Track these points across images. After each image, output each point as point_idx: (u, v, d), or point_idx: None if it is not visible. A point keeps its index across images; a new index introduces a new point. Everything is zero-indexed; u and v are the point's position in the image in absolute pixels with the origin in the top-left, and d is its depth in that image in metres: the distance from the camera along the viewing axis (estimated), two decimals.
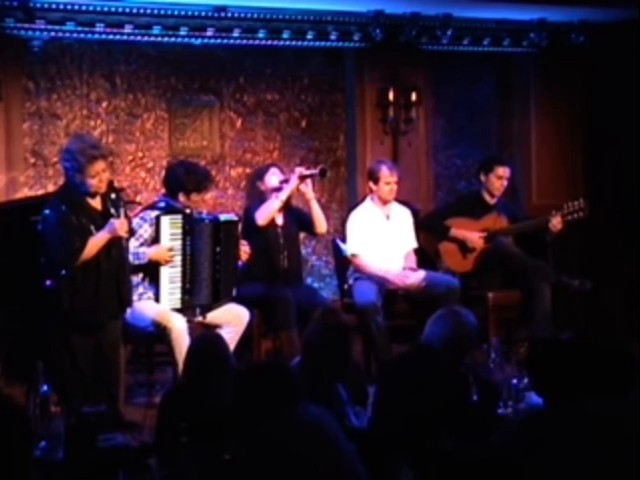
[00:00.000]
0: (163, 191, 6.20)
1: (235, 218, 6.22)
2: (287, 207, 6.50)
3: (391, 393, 4.29)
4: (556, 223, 6.82)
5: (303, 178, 6.42)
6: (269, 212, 6.34)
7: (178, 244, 5.83)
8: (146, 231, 5.81)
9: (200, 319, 5.89)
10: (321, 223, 6.55)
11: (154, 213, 5.86)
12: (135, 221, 5.77)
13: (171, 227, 5.84)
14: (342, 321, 4.56)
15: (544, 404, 3.45)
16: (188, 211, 5.91)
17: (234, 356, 4.69)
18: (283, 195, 6.35)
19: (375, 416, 4.31)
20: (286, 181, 6.46)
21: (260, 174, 6.58)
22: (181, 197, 5.92)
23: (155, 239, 5.80)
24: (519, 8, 7.75)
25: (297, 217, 6.59)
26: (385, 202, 6.70)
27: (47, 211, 5.29)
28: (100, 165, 5.28)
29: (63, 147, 5.61)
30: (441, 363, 4.28)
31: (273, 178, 6.50)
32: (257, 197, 6.53)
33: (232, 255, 6.04)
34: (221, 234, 5.98)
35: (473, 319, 4.50)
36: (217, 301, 5.99)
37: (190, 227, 5.87)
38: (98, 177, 5.28)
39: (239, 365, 4.55)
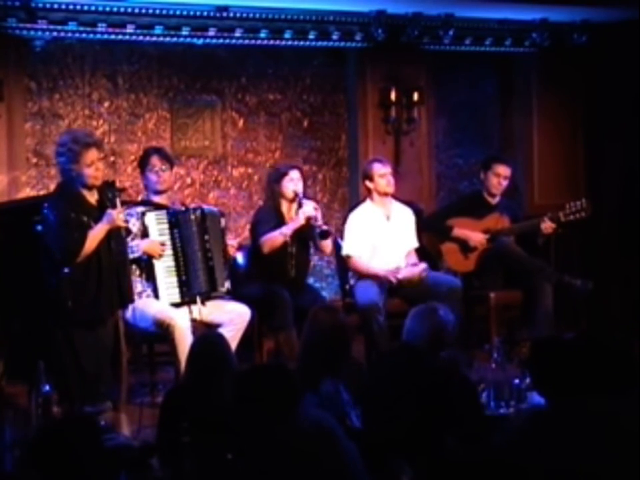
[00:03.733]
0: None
1: (217, 211, 6.29)
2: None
3: (376, 393, 4.29)
4: (547, 226, 6.82)
5: (308, 220, 6.35)
6: (272, 244, 6.32)
7: (167, 238, 5.92)
8: (134, 225, 5.86)
9: (202, 306, 5.89)
10: (327, 251, 6.63)
11: (139, 209, 5.94)
12: None
13: (157, 223, 5.94)
14: (336, 318, 4.55)
15: (546, 404, 3.44)
16: (172, 205, 6.05)
17: (236, 356, 4.70)
18: (287, 231, 6.32)
19: (364, 416, 4.30)
20: (301, 199, 6.41)
21: (277, 177, 6.50)
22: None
23: (144, 233, 5.88)
24: (521, 8, 7.75)
25: (308, 228, 6.52)
26: (385, 195, 6.66)
27: (45, 210, 5.30)
28: (94, 153, 5.31)
29: (56, 144, 5.61)
30: (423, 361, 4.28)
31: (290, 185, 6.43)
32: (273, 197, 6.49)
33: (221, 245, 6.10)
34: (207, 223, 6.06)
35: (450, 315, 4.50)
36: (214, 288, 6.03)
37: (176, 220, 5.96)
38: (94, 165, 5.30)
39: (240, 365, 4.55)
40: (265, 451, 3.25)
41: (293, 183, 6.44)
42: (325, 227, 6.39)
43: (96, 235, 5.29)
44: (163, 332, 5.74)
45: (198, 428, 3.87)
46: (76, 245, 5.23)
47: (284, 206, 6.46)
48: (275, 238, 6.33)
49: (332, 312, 4.66)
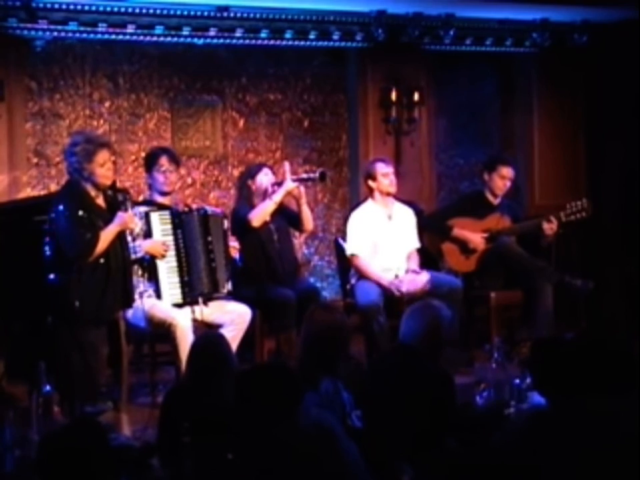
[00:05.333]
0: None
1: (220, 212, 6.32)
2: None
3: (377, 393, 4.29)
4: (548, 227, 6.81)
5: (298, 181, 6.42)
6: (262, 213, 6.34)
7: (170, 239, 5.92)
8: (136, 225, 5.85)
9: (204, 307, 5.90)
10: (309, 223, 6.60)
11: (142, 208, 5.93)
12: None
13: (161, 223, 5.95)
14: (333, 316, 4.54)
15: (547, 404, 3.45)
16: (175, 206, 6.07)
17: (237, 356, 4.70)
18: (277, 197, 6.35)
19: (365, 416, 4.30)
20: (278, 184, 6.46)
21: (252, 173, 6.58)
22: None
23: (147, 233, 5.89)
24: (521, 8, 7.75)
25: (285, 213, 6.58)
26: (388, 195, 6.66)
27: (55, 209, 5.32)
28: (107, 154, 5.38)
29: (67, 144, 5.63)
30: (422, 361, 4.28)
31: (264, 179, 6.50)
32: (246, 196, 6.52)
33: (223, 246, 6.11)
34: (210, 224, 6.08)
35: (445, 309, 4.49)
36: (216, 289, 6.04)
37: (179, 221, 5.97)
38: (106, 165, 5.35)
39: (241, 365, 4.55)
40: (265, 450, 3.24)
41: (267, 177, 6.51)
42: (318, 171, 6.60)
43: (107, 235, 5.34)
44: (164, 332, 5.74)
45: (198, 428, 3.87)
46: (88, 245, 5.27)
47: (257, 202, 6.47)
48: (265, 206, 6.35)
49: (329, 310, 4.66)
